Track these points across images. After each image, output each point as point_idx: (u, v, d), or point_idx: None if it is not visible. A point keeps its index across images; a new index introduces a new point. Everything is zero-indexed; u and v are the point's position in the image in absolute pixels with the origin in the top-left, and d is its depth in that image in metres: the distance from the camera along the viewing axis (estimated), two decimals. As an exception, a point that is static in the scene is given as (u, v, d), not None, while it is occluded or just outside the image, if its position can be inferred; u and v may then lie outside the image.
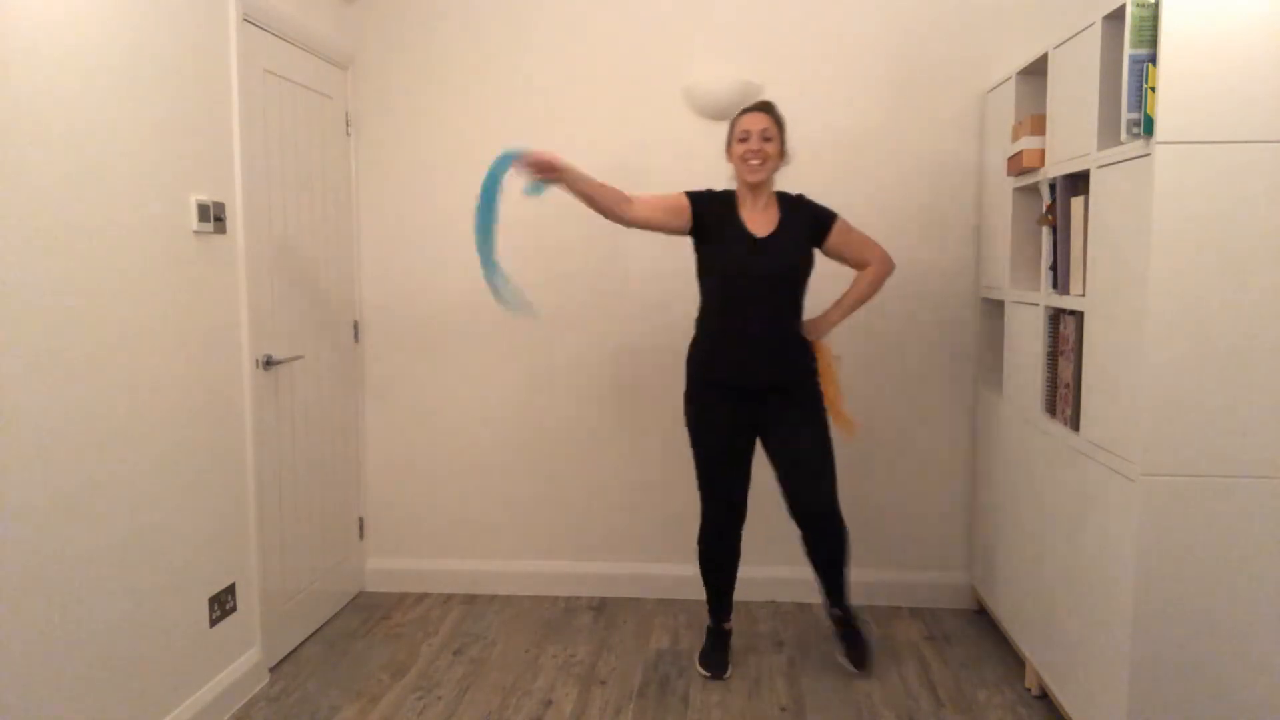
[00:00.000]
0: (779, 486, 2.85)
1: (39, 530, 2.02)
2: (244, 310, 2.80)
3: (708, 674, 2.95)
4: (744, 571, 3.57)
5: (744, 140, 2.73)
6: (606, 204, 2.69)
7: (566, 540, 3.66)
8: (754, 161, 2.72)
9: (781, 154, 2.79)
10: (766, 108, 2.78)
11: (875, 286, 2.86)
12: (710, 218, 2.78)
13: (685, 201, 2.78)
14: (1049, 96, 2.70)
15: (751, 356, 2.76)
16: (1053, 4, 3.29)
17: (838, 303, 2.87)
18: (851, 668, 2.95)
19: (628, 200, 2.72)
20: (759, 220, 2.78)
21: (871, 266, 2.85)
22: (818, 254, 2.85)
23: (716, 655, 3.00)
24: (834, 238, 2.82)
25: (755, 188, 2.78)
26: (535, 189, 2.62)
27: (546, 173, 2.58)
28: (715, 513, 2.91)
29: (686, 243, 2.90)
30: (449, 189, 3.58)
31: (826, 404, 2.87)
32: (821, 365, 2.90)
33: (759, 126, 2.72)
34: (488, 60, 3.54)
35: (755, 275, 2.73)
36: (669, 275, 3.50)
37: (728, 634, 3.06)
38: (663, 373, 3.55)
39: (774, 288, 2.75)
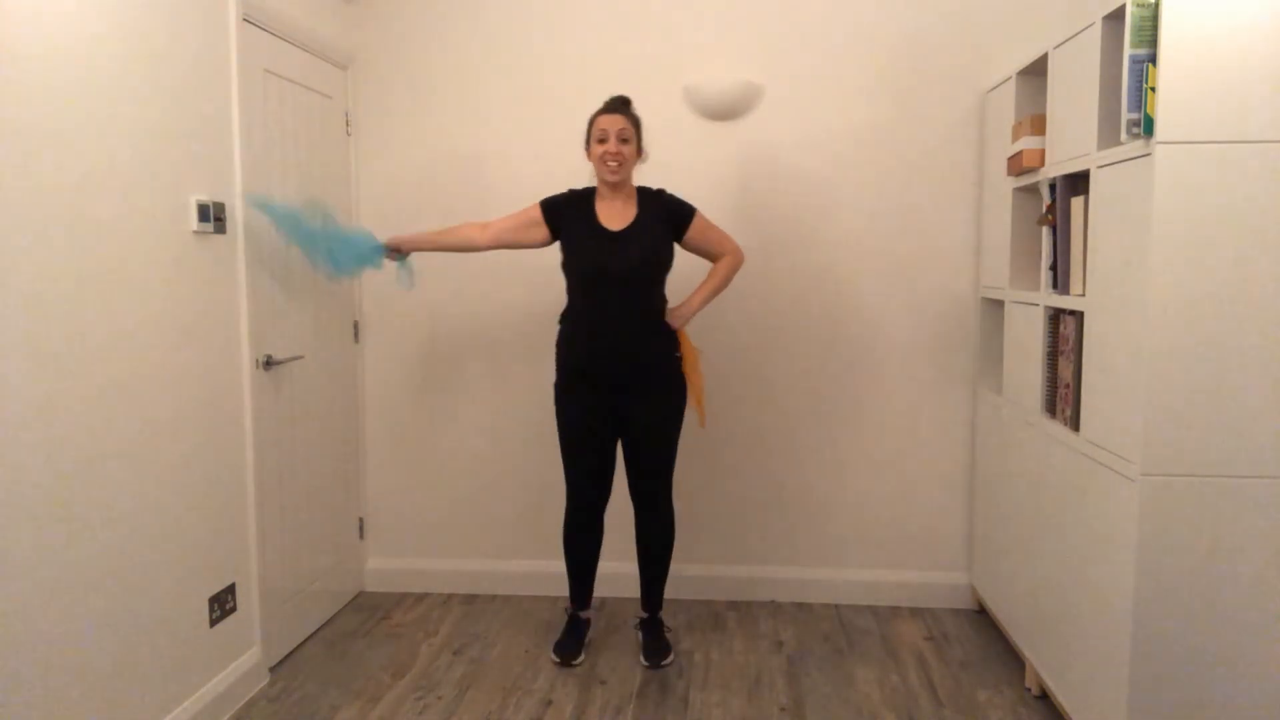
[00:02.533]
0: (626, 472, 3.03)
1: (38, 530, 2.02)
2: (244, 310, 2.80)
3: (556, 659, 3.04)
4: (743, 571, 3.59)
5: (602, 141, 2.82)
6: (457, 244, 2.99)
7: (566, 540, 3.65)
8: (612, 163, 2.81)
9: (638, 152, 2.89)
10: (623, 108, 2.87)
11: (729, 276, 3.00)
12: (568, 219, 2.90)
13: (538, 213, 2.93)
14: (1049, 96, 2.70)
15: (611, 348, 2.86)
16: (1053, 4, 3.29)
17: (696, 291, 2.98)
18: (645, 661, 3.04)
19: (482, 228, 2.96)
20: (616, 215, 2.89)
21: (726, 258, 2.98)
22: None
23: (567, 640, 3.09)
24: (692, 232, 2.93)
25: (614, 185, 2.88)
26: (405, 275, 2.99)
27: (396, 251, 2.96)
28: (578, 496, 3.02)
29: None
30: (449, 189, 3.58)
31: (690, 391, 3.00)
32: (685, 354, 2.99)
33: (616, 127, 2.81)
34: (488, 60, 3.54)
35: (611, 270, 2.81)
36: (673, 277, 3.50)
37: (585, 623, 3.16)
38: (663, 373, 3.55)
39: (630, 281, 2.83)
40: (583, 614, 3.17)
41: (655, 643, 3.07)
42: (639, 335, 2.87)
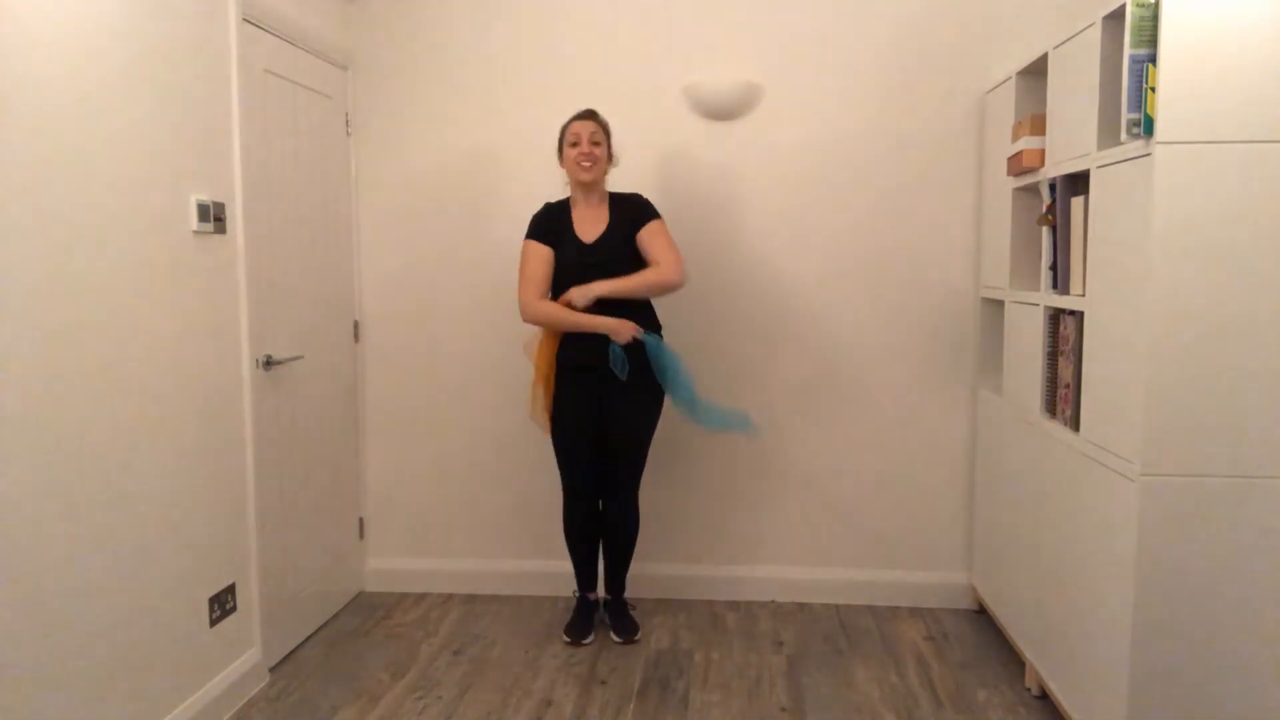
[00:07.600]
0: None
1: (39, 530, 2.02)
2: (244, 310, 2.80)
3: (566, 639, 3.21)
4: (744, 571, 3.60)
5: (575, 145, 3.01)
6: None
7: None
8: (585, 164, 2.99)
9: (609, 156, 3.08)
10: (592, 115, 3.07)
11: (647, 283, 3.01)
12: (553, 234, 3.06)
13: (542, 249, 3.04)
14: (1049, 96, 2.70)
15: (593, 343, 3.01)
16: (1053, 4, 3.29)
17: (609, 281, 2.98)
18: (617, 638, 3.22)
19: (541, 295, 3.05)
20: (590, 222, 3.07)
21: (657, 267, 3.01)
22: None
23: (577, 620, 3.28)
24: (644, 232, 3.04)
25: (587, 188, 3.06)
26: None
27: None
28: (570, 486, 3.22)
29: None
30: (449, 189, 3.58)
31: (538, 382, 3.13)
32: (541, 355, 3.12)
33: (588, 131, 3.01)
34: (488, 60, 3.54)
35: (588, 277, 2.99)
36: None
37: (593, 604, 3.33)
38: (663, 373, 3.55)
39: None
40: (590, 595, 3.32)
41: (624, 620, 3.26)
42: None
